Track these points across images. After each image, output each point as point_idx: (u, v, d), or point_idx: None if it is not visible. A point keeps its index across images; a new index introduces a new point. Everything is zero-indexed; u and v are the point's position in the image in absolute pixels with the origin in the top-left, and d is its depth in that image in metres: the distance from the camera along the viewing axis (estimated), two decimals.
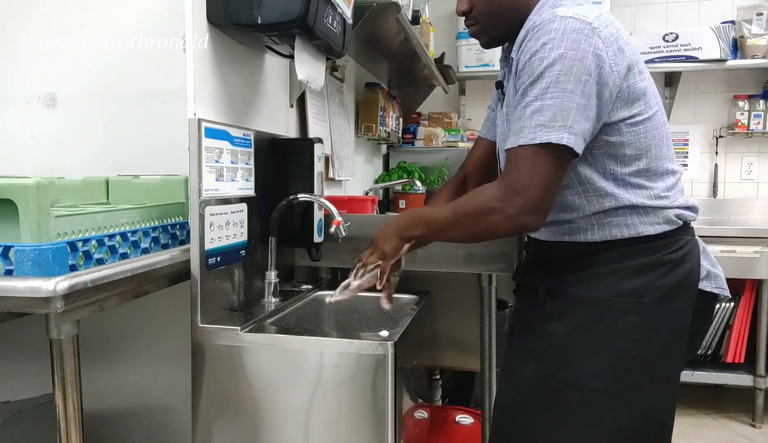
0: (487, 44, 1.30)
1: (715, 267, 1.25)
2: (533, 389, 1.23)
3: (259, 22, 1.26)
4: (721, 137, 3.55)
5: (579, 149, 1.08)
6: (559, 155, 1.07)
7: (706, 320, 1.32)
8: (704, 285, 1.21)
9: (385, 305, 1.27)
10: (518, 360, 1.30)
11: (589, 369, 1.16)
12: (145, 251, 1.21)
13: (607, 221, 1.17)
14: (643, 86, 1.14)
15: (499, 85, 1.32)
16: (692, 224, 1.24)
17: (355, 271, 1.24)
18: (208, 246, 1.25)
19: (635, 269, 1.16)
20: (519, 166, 1.08)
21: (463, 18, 1.28)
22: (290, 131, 1.86)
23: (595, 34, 1.07)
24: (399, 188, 2.94)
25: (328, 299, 1.28)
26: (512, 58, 1.20)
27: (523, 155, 1.08)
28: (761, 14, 3.25)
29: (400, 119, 3.21)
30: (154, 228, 1.25)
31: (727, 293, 1.26)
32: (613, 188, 1.15)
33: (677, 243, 1.18)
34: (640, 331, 1.14)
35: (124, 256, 1.14)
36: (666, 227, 1.17)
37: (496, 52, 2.61)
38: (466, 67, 3.49)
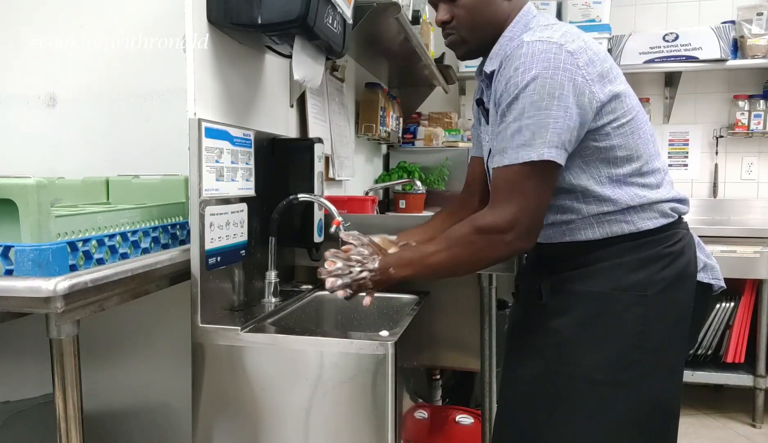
0: (464, 56, 1.32)
1: (710, 259, 1.29)
2: (538, 385, 1.24)
3: (259, 22, 1.26)
4: (721, 136, 3.54)
5: (561, 160, 1.12)
6: (544, 170, 1.12)
7: (705, 311, 1.36)
8: (701, 277, 1.25)
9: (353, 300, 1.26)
10: (521, 359, 1.31)
11: (595, 362, 1.18)
12: (146, 251, 1.21)
13: (607, 219, 1.20)
14: (620, 89, 1.18)
15: (480, 102, 1.35)
16: (685, 218, 1.28)
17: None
18: (208, 246, 1.24)
19: (637, 262, 1.19)
20: (508, 190, 1.13)
21: (442, 27, 1.30)
22: (290, 131, 1.86)
23: (563, 51, 1.11)
24: (399, 188, 2.94)
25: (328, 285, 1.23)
26: (485, 71, 1.26)
27: (509, 177, 1.13)
28: (761, 14, 3.25)
29: (400, 119, 3.20)
30: (155, 228, 1.25)
31: (722, 284, 1.29)
32: (609, 193, 1.18)
33: (675, 237, 1.22)
34: (644, 323, 1.17)
35: (124, 256, 1.14)
36: (663, 221, 1.21)
37: None
38: (466, 67, 3.49)
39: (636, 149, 1.18)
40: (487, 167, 1.34)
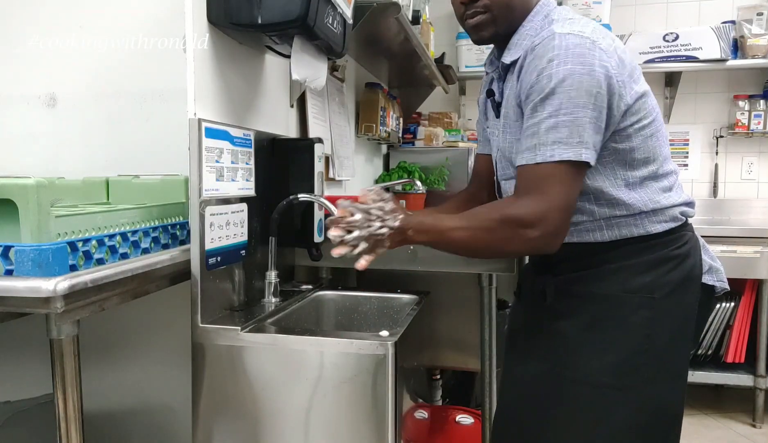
0: (489, 39, 1.25)
1: (715, 261, 1.28)
2: (541, 388, 1.23)
3: (260, 22, 1.26)
4: (721, 136, 3.54)
5: (594, 161, 1.09)
6: (576, 170, 1.08)
7: (708, 313, 1.34)
8: (706, 279, 1.24)
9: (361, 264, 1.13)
10: (522, 361, 1.30)
11: (601, 365, 1.17)
12: (146, 251, 1.21)
13: (617, 223, 1.18)
14: (644, 89, 1.16)
15: (490, 93, 1.31)
16: (690, 220, 1.27)
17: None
18: (208, 246, 1.24)
19: (645, 264, 1.18)
20: (539, 186, 1.07)
21: (465, 6, 1.22)
22: (290, 131, 1.86)
23: (596, 47, 1.08)
24: (399, 188, 2.94)
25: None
26: (503, 62, 1.21)
27: (542, 174, 1.08)
28: (761, 14, 3.25)
29: (401, 119, 3.20)
30: (155, 228, 1.25)
31: (726, 286, 1.28)
32: (623, 197, 1.16)
33: (682, 239, 1.21)
34: (651, 326, 1.16)
35: (124, 256, 1.14)
36: (672, 224, 1.20)
37: None
38: (466, 67, 3.49)
39: (653, 151, 1.17)
40: (495, 162, 1.33)
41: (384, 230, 1.09)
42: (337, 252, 1.09)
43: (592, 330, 1.18)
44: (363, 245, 1.09)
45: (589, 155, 1.07)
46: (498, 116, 1.28)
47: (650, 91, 1.18)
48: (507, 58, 1.21)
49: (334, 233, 1.09)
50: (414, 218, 1.13)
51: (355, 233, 1.08)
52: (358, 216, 1.08)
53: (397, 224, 1.09)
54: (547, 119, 1.07)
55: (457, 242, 1.11)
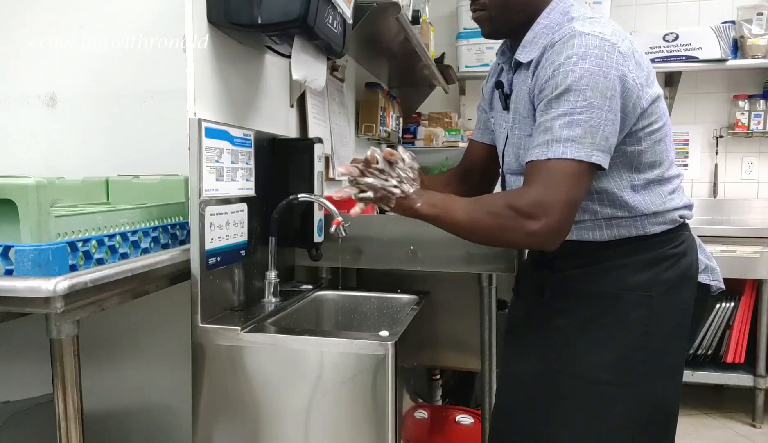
0: (489, 35, 1.27)
1: (711, 261, 1.29)
2: (538, 385, 1.24)
3: (259, 22, 1.26)
4: (721, 136, 3.55)
5: (606, 164, 1.08)
6: (586, 171, 1.07)
7: (703, 312, 1.35)
8: (702, 278, 1.25)
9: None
10: (520, 357, 1.30)
11: (599, 362, 1.18)
12: (145, 251, 1.21)
13: (617, 223, 1.19)
14: (658, 93, 1.17)
15: (499, 85, 1.30)
16: (688, 221, 1.28)
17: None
18: (208, 246, 1.24)
19: (643, 263, 1.19)
20: (547, 181, 1.07)
21: (471, 1, 1.25)
22: (290, 131, 1.86)
23: (615, 50, 1.08)
24: None
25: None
26: (519, 60, 1.21)
27: (552, 170, 1.07)
28: (761, 14, 3.25)
29: (400, 119, 3.20)
30: (154, 228, 1.25)
31: (721, 285, 1.29)
32: (628, 199, 1.17)
33: (679, 238, 1.22)
34: (648, 323, 1.17)
35: (124, 256, 1.14)
36: (670, 226, 1.21)
37: None
38: (466, 67, 3.49)
39: (660, 155, 1.18)
40: (502, 154, 1.32)
41: (396, 191, 1.11)
42: (338, 194, 1.13)
43: (590, 327, 1.19)
44: (369, 194, 1.12)
45: (600, 158, 1.06)
46: (506, 108, 1.27)
47: (662, 95, 1.18)
48: (523, 58, 1.20)
49: (351, 170, 1.12)
50: (427, 192, 1.15)
51: (370, 179, 1.11)
52: (381, 166, 1.12)
53: (411, 190, 1.12)
54: (561, 116, 1.07)
55: (458, 221, 1.11)
